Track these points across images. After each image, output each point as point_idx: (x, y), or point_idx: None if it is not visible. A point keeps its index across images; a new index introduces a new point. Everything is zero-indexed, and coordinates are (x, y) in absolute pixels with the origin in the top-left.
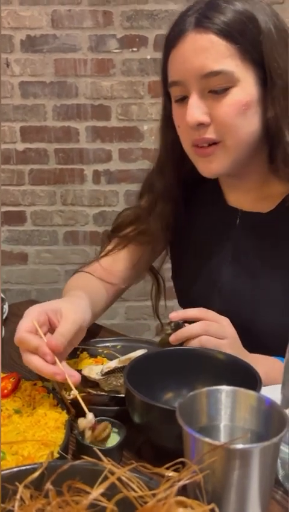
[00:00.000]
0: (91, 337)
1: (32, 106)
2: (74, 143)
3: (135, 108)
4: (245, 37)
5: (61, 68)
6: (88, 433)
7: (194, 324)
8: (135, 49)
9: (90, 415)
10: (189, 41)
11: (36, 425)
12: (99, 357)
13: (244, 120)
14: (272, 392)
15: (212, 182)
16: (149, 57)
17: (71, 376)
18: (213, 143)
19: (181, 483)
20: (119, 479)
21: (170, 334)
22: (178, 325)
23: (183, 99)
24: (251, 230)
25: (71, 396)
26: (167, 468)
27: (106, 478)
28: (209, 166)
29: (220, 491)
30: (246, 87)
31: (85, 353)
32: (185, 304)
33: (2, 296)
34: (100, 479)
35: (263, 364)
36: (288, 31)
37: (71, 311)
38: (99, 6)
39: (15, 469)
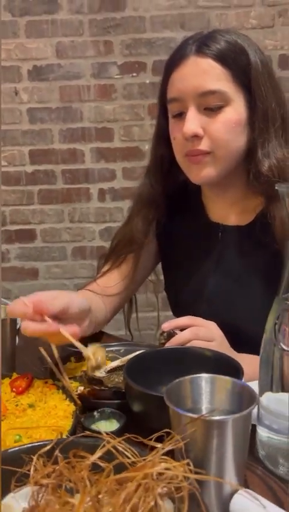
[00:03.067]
0: (95, 342)
1: (40, 130)
2: (80, 164)
3: (137, 129)
4: (237, 64)
5: (66, 95)
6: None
7: (185, 331)
8: (134, 74)
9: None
10: (190, 63)
11: (47, 415)
12: None
13: (234, 136)
14: (256, 386)
15: (195, 200)
16: (148, 81)
17: (70, 328)
18: (204, 153)
19: (166, 448)
20: (116, 449)
21: (164, 343)
22: (170, 334)
23: (180, 115)
24: (233, 242)
25: (79, 391)
26: (154, 439)
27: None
28: (200, 173)
29: (201, 458)
30: (237, 108)
31: None
32: (178, 313)
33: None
34: (100, 447)
35: (251, 362)
36: (270, 65)
37: (65, 292)
38: (100, 37)
39: (30, 445)
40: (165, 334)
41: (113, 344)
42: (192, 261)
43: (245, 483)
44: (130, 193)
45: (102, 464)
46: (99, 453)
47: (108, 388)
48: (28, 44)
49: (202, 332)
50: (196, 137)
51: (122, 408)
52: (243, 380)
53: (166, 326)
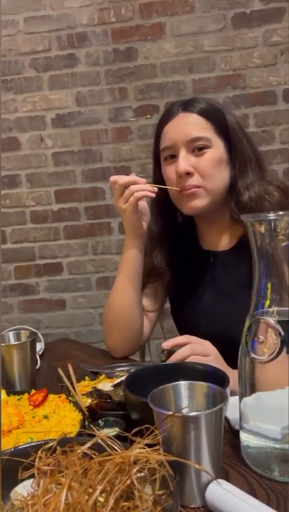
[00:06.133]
0: (110, 363)
1: (64, 172)
2: (101, 201)
3: (152, 166)
4: (216, 120)
5: (86, 138)
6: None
7: (184, 347)
8: (148, 116)
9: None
10: (179, 118)
11: (58, 424)
12: (114, 378)
13: (218, 171)
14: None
15: (190, 233)
16: None
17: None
18: (196, 187)
19: (146, 441)
20: (106, 444)
21: (165, 360)
22: (170, 352)
23: (172, 157)
24: (222, 263)
25: (87, 404)
26: (135, 433)
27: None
28: (192, 204)
29: (180, 450)
30: (218, 150)
31: (103, 375)
32: (182, 331)
33: (33, 329)
34: (91, 441)
35: None
36: (241, 122)
37: None
38: (115, 84)
39: (38, 442)
40: (165, 352)
41: (124, 364)
42: (190, 284)
43: (227, 478)
44: None
45: (91, 453)
46: (88, 444)
47: (113, 401)
48: (51, 96)
49: (198, 348)
50: (188, 174)
51: (125, 418)
52: (228, 389)
53: (165, 344)
